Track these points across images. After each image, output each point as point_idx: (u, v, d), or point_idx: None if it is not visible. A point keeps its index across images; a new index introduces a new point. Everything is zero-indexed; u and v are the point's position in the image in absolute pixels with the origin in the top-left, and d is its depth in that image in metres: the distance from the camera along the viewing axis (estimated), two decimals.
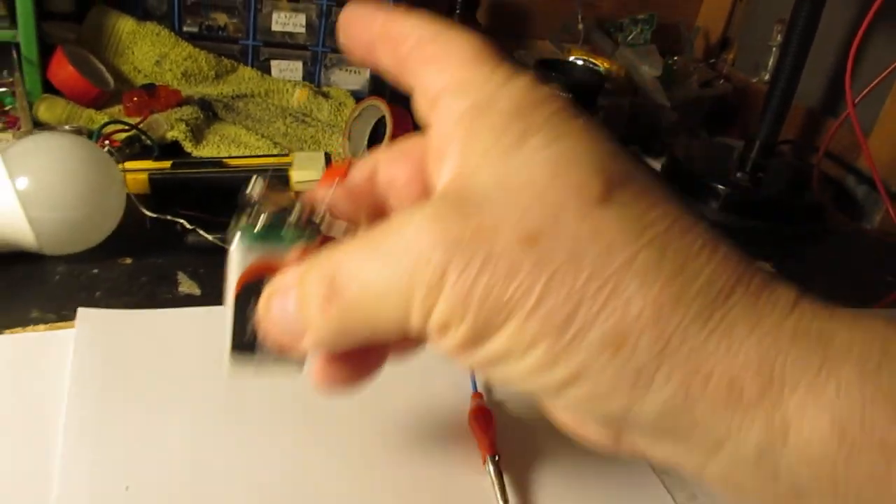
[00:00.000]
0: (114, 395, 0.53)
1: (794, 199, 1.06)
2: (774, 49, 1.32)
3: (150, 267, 0.70)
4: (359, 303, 0.31)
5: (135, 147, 0.86)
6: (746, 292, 0.28)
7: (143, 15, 1.05)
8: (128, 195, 0.71)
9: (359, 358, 0.39)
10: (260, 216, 0.38)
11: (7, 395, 0.52)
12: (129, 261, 0.70)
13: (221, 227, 0.74)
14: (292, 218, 0.38)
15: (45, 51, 0.92)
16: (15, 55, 0.89)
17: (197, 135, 0.92)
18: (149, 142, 0.87)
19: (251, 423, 0.53)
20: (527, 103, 0.30)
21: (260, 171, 0.84)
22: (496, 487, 0.51)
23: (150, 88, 0.98)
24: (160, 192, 0.81)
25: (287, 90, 1.08)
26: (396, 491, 0.51)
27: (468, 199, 0.29)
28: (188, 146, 0.90)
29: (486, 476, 0.52)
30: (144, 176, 0.81)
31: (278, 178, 0.81)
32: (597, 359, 0.27)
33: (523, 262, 0.27)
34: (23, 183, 0.63)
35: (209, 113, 0.98)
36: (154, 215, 0.72)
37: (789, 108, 1.03)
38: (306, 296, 0.33)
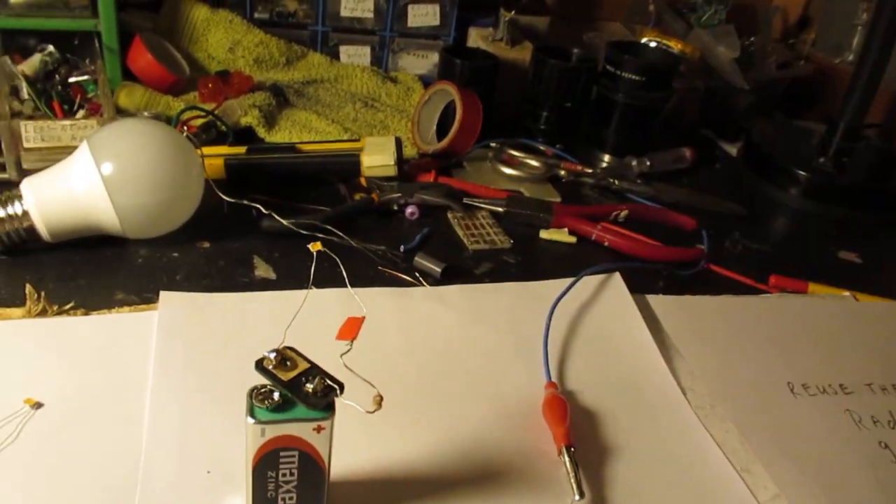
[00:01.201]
0: (195, 379, 0.54)
1: (880, 186, 1.01)
2: (860, 28, 1.26)
3: (227, 251, 0.71)
4: None
5: (210, 133, 0.88)
6: None
7: (217, 3, 1.06)
8: (206, 181, 0.73)
9: None
10: (273, 394, 0.41)
11: (95, 374, 0.54)
12: (207, 244, 0.72)
13: (295, 213, 0.75)
14: (307, 389, 0.41)
15: (124, 39, 0.94)
16: (97, 44, 0.91)
17: (270, 120, 0.93)
18: (224, 128, 0.89)
19: None
20: None
21: (331, 158, 0.85)
22: (572, 479, 0.50)
23: (223, 75, 1.00)
24: (235, 176, 0.82)
25: (356, 75, 1.08)
26: (471, 481, 0.50)
27: None
28: (261, 132, 0.91)
29: (560, 466, 0.51)
30: (220, 161, 0.82)
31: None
32: None
33: None
34: (108, 168, 0.65)
35: (281, 98, 0.99)
36: (231, 200, 0.74)
37: (876, 90, 0.98)
38: None
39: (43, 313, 0.58)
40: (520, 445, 0.54)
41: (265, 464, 0.42)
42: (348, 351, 0.43)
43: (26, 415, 0.50)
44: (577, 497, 0.49)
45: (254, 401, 0.41)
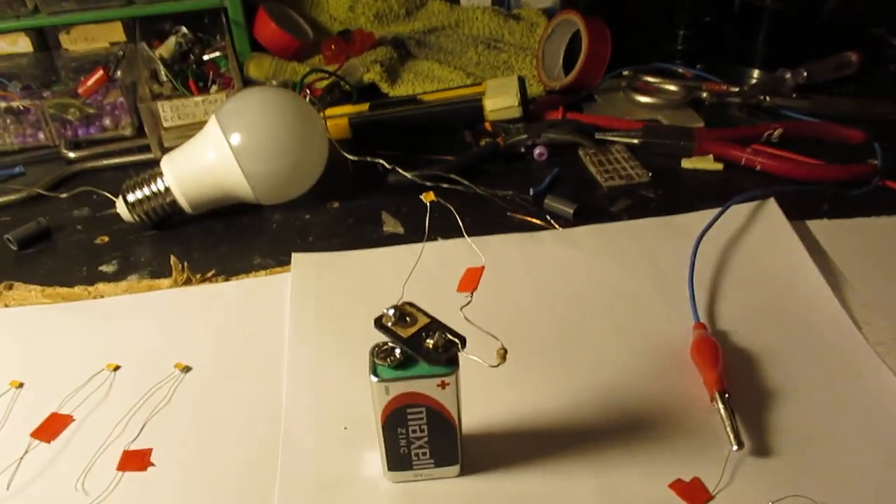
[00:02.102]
0: (328, 336, 0.55)
1: None
2: None
3: (355, 209, 0.72)
4: None
5: (335, 93, 0.88)
6: None
7: None
8: (330, 141, 0.73)
9: None
10: (395, 351, 0.40)
11: (236, 337, 0.56)
12: (336, 205, 0.72)
13: (421, 165, 0.74)
14: (428, 345, 0.40)
15: (249, 12, 0.96)
16: (224, 20, 0.94)
17: (392, 75, 0.92)
18: (347, 87, 0.89)
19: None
20: None
21: (453, 106, 0.82)
22: (728, 427, 0.46)
23: (345, 34, 0.99)
24: (360, 134, 0.82)
25: (476, 18, 1.04)
26: (615, 432, 0.47)
27: None
28: (384, 87, 0.90)
29: (714, 414, 0.47)
30: (345, 121, 0.82)
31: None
32: None
33: None
34: (236, 139, 0.66)
35: (402, 51, 0.98)
36: (355, 158, 0.74)
37: None
38: None
39: (188, 282, 0.61)
40: (667, 393, 0.50)
41: (393, 420, 0.42)
42: (468, 303, 0.41)
43: (177, 378, 0.52)
44: (734, 447, 0.45)
45: (376, 359, 0.40)
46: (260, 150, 0.67)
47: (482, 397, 0.48)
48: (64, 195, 0.74)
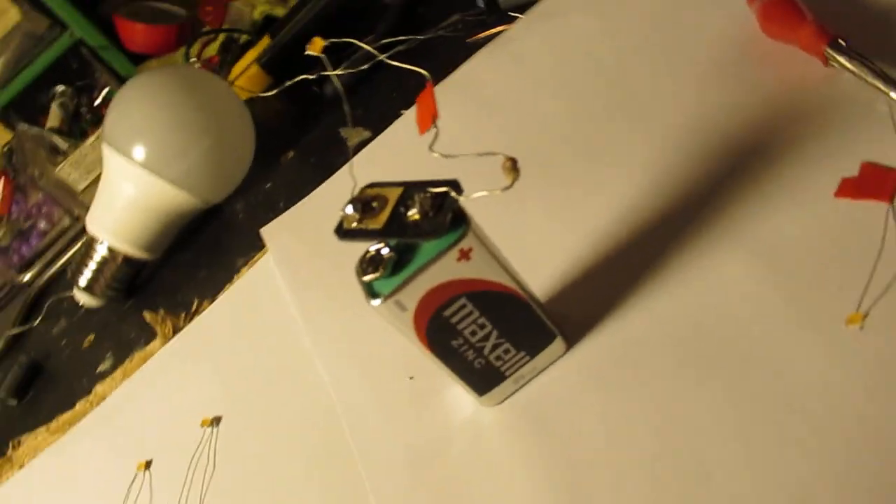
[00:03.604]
0: (337, 292, 0.42)
1: None
2: None
3: (311, 145, 0.59)
4: None
5: (233, 50, 0.75)
6: None
7: None
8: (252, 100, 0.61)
9: None
10: (381, 253, 0.27)
11: (246, 351, 0.45)
12: (290, 154, 0.60)
13: (352, 54, 0.60)
14: (413, 218, 0.27)
15: (108, 30, 0.84)
16: (87, 52, 0.81)
17: None
18: (244, 36, 0.75)
19: None
20: None
21: None
22: (867, 74, 0.31)
23: None
24: (277, 68, 0.69)
25: None
26: (728, 183, 0.34)
27: None
28: (279, 10, 0.76)
29: (840, 79, 0.32)
30: (255, 69, 0.69)
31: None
32: None
33: None
34: (139, 153, 0.54)
35: None
36: (271, 93, 0.61)
37: None
38: None
39: (177, 329, 0.50)
40: (761, 96, 0.35)
41: (439, 337, 0.29)
42: (436, 134, 0.28)
43: (211, 436, 0.42)
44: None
45: (364, 277, 0.28)
46: (169, 148, 0.54)
47: (531, 246, 0.35)
48: (37, 321, 0.65)
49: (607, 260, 0.34)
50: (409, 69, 0.34)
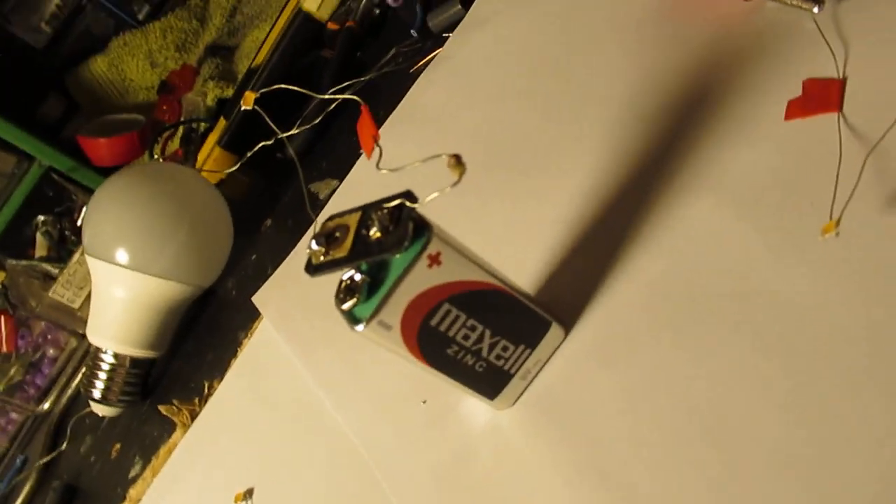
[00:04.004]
0: (335, 337, 0.42)
1: None
2: None
3: (286, 208, 0.59)
4: None
5: (195, 139, 0.76)
6: None
7: (96, 47, 0.94)
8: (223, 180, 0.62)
9: None
10: (355, 278, 0.27)
11: (263, 417, 0.44)
12: (268, 222, 0.60)
13: (294, 114, 0.61)
14: (375, 236, 0.27)
15: (72, 150, 0.85)
16: (58, 176, 0.83)
17: (228, 76, 0.80)
18: (202, 125, 0.76)
19: None
20: None
21: (286, 41, 0.69)
22: None
23: (165, 87, 0.87)
24: (238, 145, 0.70)
25: None
26: (680, 130, 0.34)
27: None
28: (229, 91, 0.78)
29: (760, 10, 0.33)
30: (217, 151, 0.70)
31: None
32: None
33: None
34: (122, 256, 0.55)
35: (224, 51, 0.86)
36: (232, 168, 0.62)
37: None
38: None
39: (194, 415, 0.50)
40: (678, 41, 0.36)
41: (433, 349, 0.29)
42: (380, 153, 0.29)
43: None
44: (815, 8, 0.31)
45: (343, 306, 0.28)
46: (149, 244, 0.55)
47: (502, 243, 0.35)
48: (64, 445, 0.65)
49: (582, 238, 0.34)
50: (348, 98, 0.35)
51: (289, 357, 0.44)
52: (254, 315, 0.52)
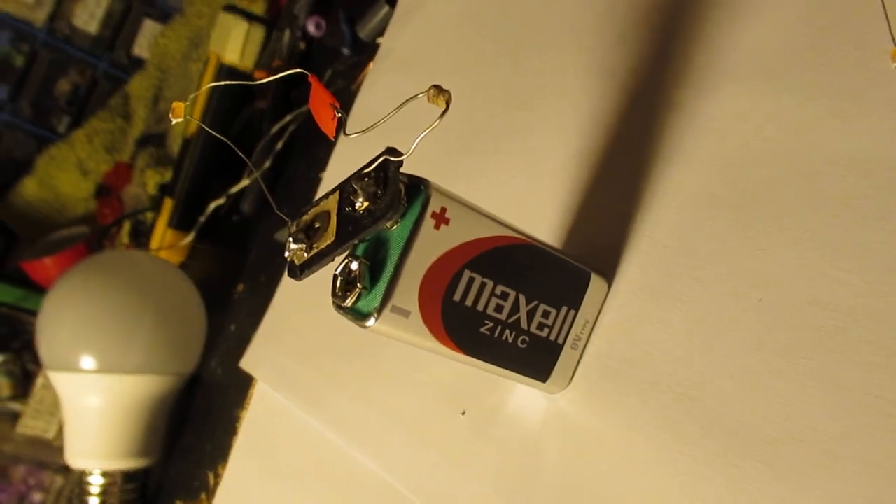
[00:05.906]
0: (335, 376, 0.37)
1: None
2: None
3: (257, 266, 0.54)
4: None
5: (144, 228, 0.71)
6: None
7: (22, 170, 0.89)
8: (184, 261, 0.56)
9: None
10: (351, 267, 0.23)
11: (292, 468, 0.38)
12: (241, 287, 0.55)
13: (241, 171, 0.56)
14: (362, 206, 0.22)
15: (18, 279, 0.80)
16: (8, 311, 0.77)
17: (165, 160, 0.75)
18: (147, 216, 0.72)
19: None
20: None
21: (217, 105, 0.65)
22: None
23: (102, 190, 0.83)
24: (191, 222, 0.65)
25: (160, 43, 0.87)
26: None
27: None
28: (168, 175, 0.73)
29: None
30: (170, 233, 0.65)
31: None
32: None
33: None
34: (88, 362, 0.49)
35: (154, 138, 0.81)
36: (188, 241, 0.57)
37: None
38: None
39: None
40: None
41: (464, 330, 0.24)
42: (344, 119, 0.24)
43: None
44: None
45: (345, 303, 0.23)
46: (115, 341, 0.50)
47: (512, 205, 0.31)
48: None
49: (599, 169, 0.30)
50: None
51: (294, 415, 0.39)
52: (246, 385, 0.46)
